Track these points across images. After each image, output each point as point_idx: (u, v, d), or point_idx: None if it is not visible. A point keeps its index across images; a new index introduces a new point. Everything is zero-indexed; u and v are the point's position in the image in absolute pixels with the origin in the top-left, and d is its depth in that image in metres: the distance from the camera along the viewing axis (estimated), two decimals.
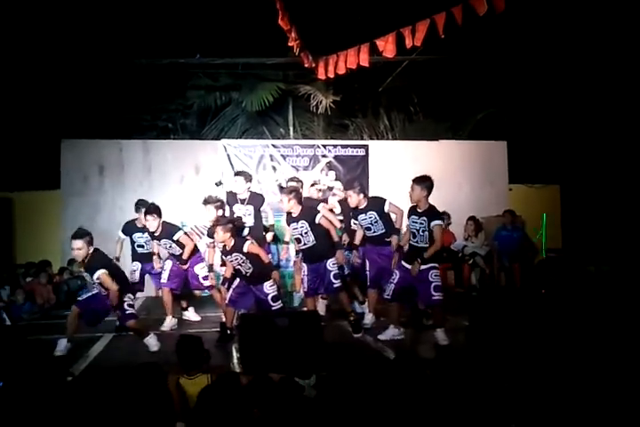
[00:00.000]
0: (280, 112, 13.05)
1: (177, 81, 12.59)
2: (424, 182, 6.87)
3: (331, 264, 7.30)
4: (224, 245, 7.06)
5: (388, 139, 13.07)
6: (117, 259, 8.25)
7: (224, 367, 5.76)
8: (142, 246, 8.48)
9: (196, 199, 9.95)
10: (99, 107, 12.15)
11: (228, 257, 7.05)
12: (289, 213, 7.41)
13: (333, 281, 7.29)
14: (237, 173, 8.31)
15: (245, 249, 6.94)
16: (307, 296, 7.62)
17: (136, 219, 8.53)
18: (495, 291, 10.62)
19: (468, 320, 6.72)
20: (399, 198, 9.92)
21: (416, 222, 6.88)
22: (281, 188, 8.12)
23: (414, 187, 6.88)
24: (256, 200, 8.11)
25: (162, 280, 8.07)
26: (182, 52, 11.39)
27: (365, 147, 11.96)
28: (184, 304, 8.68)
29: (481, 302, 8.71)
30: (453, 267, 11.21)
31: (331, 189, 11.38)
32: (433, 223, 6.74)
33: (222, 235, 6.92)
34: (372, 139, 12.90)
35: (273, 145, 11.76)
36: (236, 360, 6.25)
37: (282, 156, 11.65)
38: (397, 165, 11.69)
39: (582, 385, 4.23)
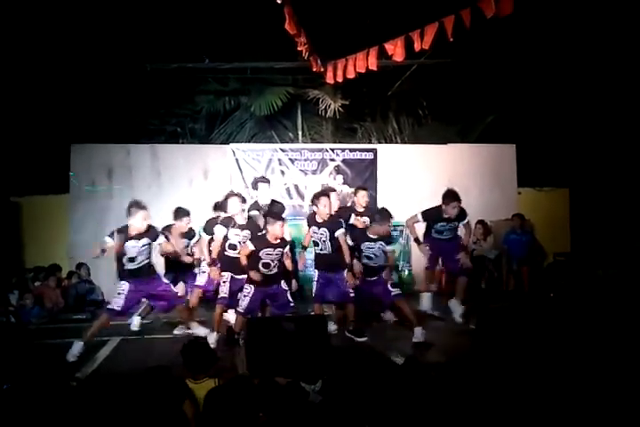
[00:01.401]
0: (289, 116, 13.06)
1: (186, 85, 12.62)
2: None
3: (346, 274, 7.35)
4: (266, 240, 7.06)
5: (396, 143, 13.04)
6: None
7: (231, 371, 5.74)
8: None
9: (204, 203, 9.97)
10: (108, 111, 12.18)
11: (268, 249, 7.01)
12: (313, 217, 7.53)
13: (350, 291, 7.37)
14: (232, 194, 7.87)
15: (286, 249, 7.14)
16: (315, 302, 7.62)
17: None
18: (503, 294, 10.59)
19: (474, 324, 6.70)
20: (407, 202, 9.96)
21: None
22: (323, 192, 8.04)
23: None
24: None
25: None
26: (191, 56, 11.43)
27: (374, 151, 11.93)
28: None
29: (488, 305, 8.71)
30: None
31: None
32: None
33: (280, 228, 7.04)
34: (380, 143, 12.87)
35: (281, 149, 11.76)
36: (243, 364, 6.23)
37: (290, 160, 11.65)
38: (406, 169, 11.70)
39: (591, 388, 4.20)
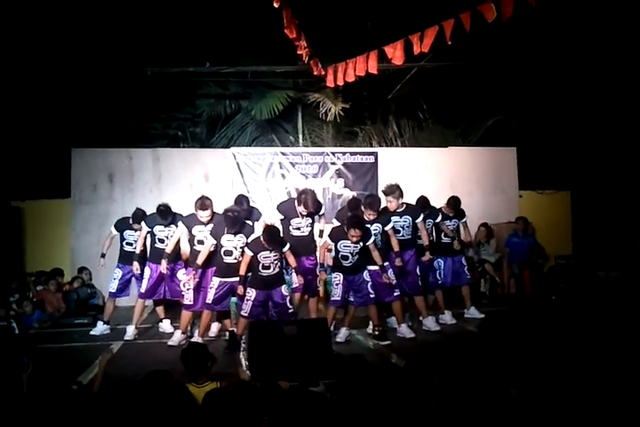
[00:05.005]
0: (289, 120, 13.06)
1: (186, 89, 12.63)
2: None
3: (366, 275, 7.34)
4: (261, 243, 6.99)
5: (397, 146, 13.03)
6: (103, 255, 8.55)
7: (233, 375, 5.72)
8: (131, 244, 8.40)
9: None
10: (108, 116, 12.21)
11: (265, 252, 6.98)
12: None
13: (370, 291, 7.34)
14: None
15: (286, 249, 7.10)
16: (337, 305, 7.52)
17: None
18: (505, 298, 10.58)
19: (477, 327, 6.69)
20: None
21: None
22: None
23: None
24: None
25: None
26: (192, 60, 11.43)
27: (374, 154, 11.92)
28: (161, 315, 8.54)
29: (491, 308, 8.70)
30: None
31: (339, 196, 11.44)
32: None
33: None
34: (381, 146, 12.85)
35: (282, 153, 11.74)
36: (244, 368, 6.22)
37: (291, 163, 11.62)
38: (407, 172, 11.65)
39: (594, 390, 4.19)
